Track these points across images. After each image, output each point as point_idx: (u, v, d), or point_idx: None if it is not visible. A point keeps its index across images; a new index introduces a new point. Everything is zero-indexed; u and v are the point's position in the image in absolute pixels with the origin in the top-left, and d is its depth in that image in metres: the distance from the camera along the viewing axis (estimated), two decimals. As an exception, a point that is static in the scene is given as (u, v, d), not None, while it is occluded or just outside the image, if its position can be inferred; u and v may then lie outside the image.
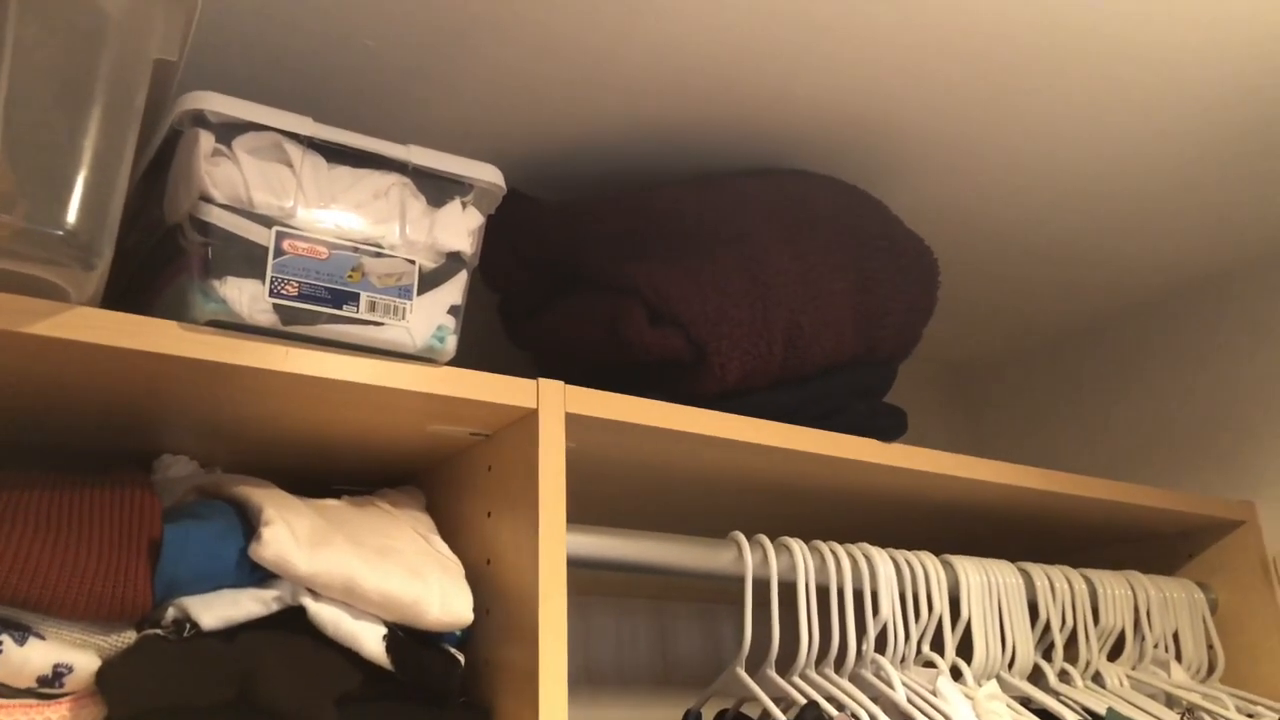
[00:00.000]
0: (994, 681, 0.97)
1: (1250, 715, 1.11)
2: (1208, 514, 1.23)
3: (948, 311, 1.44)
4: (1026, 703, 0.97)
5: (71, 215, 0.58)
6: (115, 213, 0.60)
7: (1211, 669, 1.19)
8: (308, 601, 0.68)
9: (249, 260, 0.68)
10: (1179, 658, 1.16)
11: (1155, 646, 1.14)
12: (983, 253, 1.32)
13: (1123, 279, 1.41)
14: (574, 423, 0.78)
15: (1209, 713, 1.06)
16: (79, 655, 0.62)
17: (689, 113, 1.00)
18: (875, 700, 0.87)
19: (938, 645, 0.96)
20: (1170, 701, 1.09)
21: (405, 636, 0.71)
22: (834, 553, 0.93)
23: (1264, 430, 1.31)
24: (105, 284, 0.65)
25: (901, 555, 0.97)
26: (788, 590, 0.89)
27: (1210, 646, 1.19)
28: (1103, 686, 1.06)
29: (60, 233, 0.57)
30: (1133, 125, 1.06)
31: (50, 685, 0.61)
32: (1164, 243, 1.31)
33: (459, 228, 0.76)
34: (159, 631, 0.65)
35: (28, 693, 0.61)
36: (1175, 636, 1.16)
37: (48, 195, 0.57)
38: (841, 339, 0.98)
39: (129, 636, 0.64)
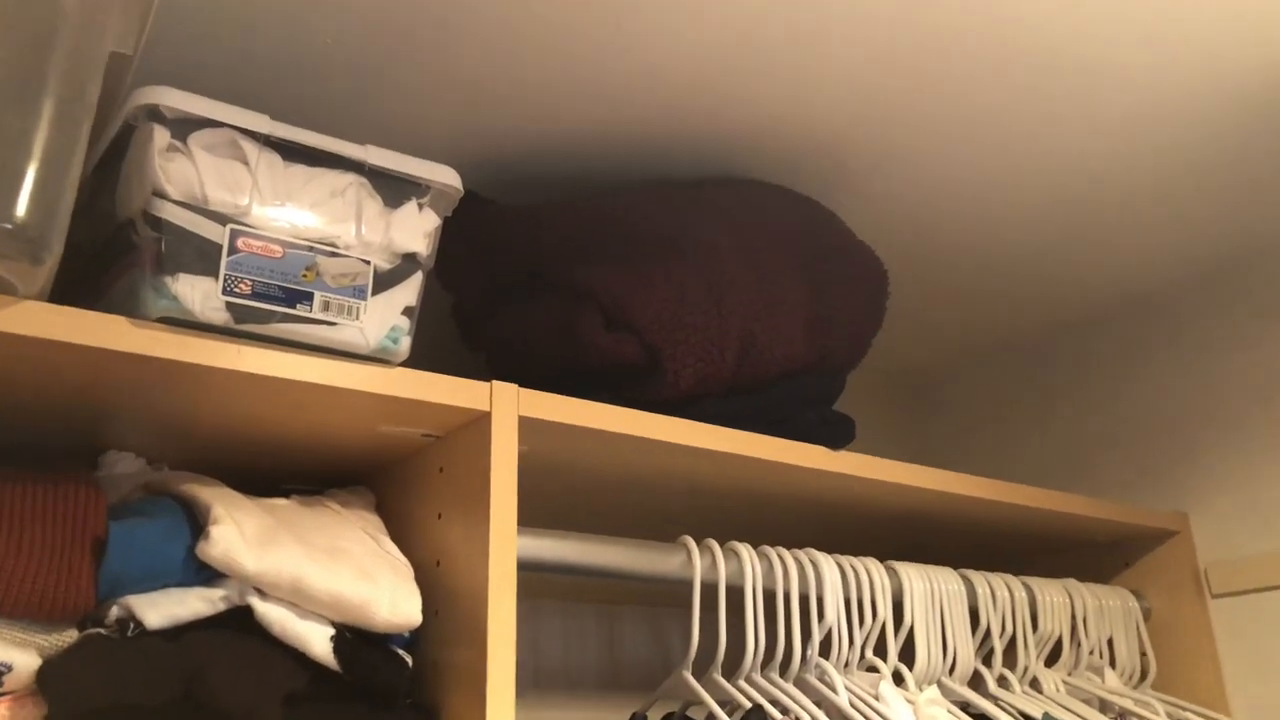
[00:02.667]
0: (935, 686, 0.99)
1: (1180, 720, 1.14)
2: (1143, 524, 1.26)
3: (895, 321, 1.46)
4: (966, 707, 0.99)
5: (21, 209, 0.57)
6: (66, 207, 0.59)
7: (1144, 675, 1.22)
8: (255, 601, 0.68)
9: (202, 257, 0.67)
10: (1113, 664, 1.19)
11: (1091, 653, 1.16)
12: (929, 264, 1.35)
13: (1064, 293, 1.44)
14: (527, 426, 0.79)
15: (1140, 718, 1.09)
16: (18, 654, 0.61)
17: (647, 119, 1.01)
18: (819, 704, 0.89)
19: (881, 650, 0.98)
20: (1104, 706, 1.12)
21: (353, 637, 0.71)
22: (781, 558, 0.94)
23: (1198, 443, 1.35)
24: (54, 278, 0.64)
25: (847, 561, 0.98)
26: (735, 595, 0.90)
27: (1143, 653, 1.23)
28: (1040, 692, 1.09)
29: (9, 226, 0.56)
30: (1081, 144, 1.09)
31: (-11, 684, 0.60)
32: (1104, 259, 1.35)
33: (415, 229, 0.76)
34: (102, 630, 0.64)
35: (-35, 692, 0.60)
36: (1110, 643, 1.19)
37: (-3, 187, 0.57)
38: (794, 347, 0.99)
39: (71, 635, 0.63)
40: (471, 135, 1.02)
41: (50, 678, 0.61)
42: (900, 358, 1.65)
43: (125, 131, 0.69)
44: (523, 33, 0.88)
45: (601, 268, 0.94)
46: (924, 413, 1.71)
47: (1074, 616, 1.16)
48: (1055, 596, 1.14)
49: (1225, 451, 1.31)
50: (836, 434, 1.02)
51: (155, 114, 0.67)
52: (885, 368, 1.68)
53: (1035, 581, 1.14)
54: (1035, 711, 1.01)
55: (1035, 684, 1.10)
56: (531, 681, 1.17)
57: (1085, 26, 0.91)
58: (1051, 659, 1.15)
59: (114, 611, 0.65)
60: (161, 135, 0.67)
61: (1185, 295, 1.40)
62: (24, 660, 0.61)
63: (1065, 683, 1.12)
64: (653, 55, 0.92)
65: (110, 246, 0.72)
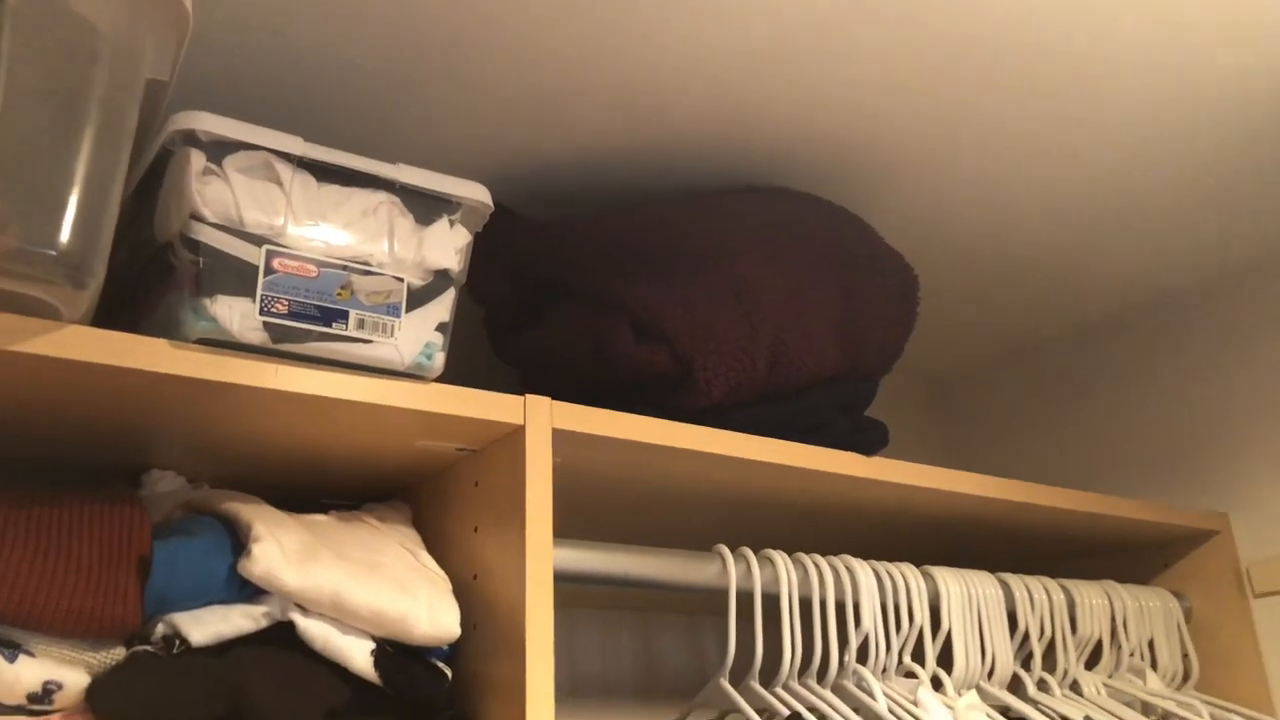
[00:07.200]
0: (974, 691, 0.99)
1: (1224, 723, 1.12)
2: (1182, 525, 1.25)
3: (926, 326, 1.46)
4: (1005, 712, 0.99)
5: (65, 235, 0.58)
6: (108, 232, 0.61)
7: (1186, 677, 1.21)
8: (297, 617, 0.69)
9: (239, 278, 0.68)
10: (1155, 666, 1.18)
11: (1131, 655, 1.15)
12: (960, 268, 1.34)
13: (1097, 293, 1.43)
14: (560, 438, 0.79)
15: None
16: (69, 672, 0.62)
17: (673, 131, 1.01)
18: (857, 710, 0.89)
19: (919, 656, 0.98)
20: (1146, 709, 1.11)
21: (393, 651, 0.71)
22: (816, 565, 0.94)
23: (1238, 441, 1.33)
24: (96, 302, 0.66)
25: (883, 567, 0.98)
26: (771, 602, 0.90)
27: (1185, 655, 1.21)
28: (1080, 695, 1.08)
29: (53, 252, 0.58)
30: (1105, 146, 1.08)
31: (40, 702, 0.61)
32: (1137, 257, 1.33)
33: (447, 245, 0.77)
34: (149, 648, 0.65)
35: (17, 709, 0.61)
36: (1151, 645, 1.18)
37: (41, 215, 0.58)
38: (825, 355, 0.99)
39: (119, 653, 0.65)
40: (500, 150, 1.03)
41: (100, 695, 0.62)
42: (931, 361, 1.65)
43: (162, 156, 0.70)
44: (549, 47, 0.89)
45: (631, 279, 0.94)
46: (954, 417, 1.70)
47: (1114, 618, 1.15)
48: (1094, 598, 1.13)
49: (1266, 449, 1.30)
50: (869, 440, 1.02)
51: (191, 138, 0.68)
52: (916, 371, 1.68)
53: (1073, 584, 1.13)
54: (1076, 715, 1.00)
55: (1075, 687, 1.09)
56: (569, 691, 1.17)
57: (1107, 31, 0.90)
58: (1092, 662, 1.14)
59: (160, 629, 0.66)
60: (198, 159, 0.68)
61: (1219, 291, 1.39)
62: (74, 678, 0.62)
63: (1106, 685, 1.11)
64: (678, 67, 0.92)
65: (149, 269, 0.74)
